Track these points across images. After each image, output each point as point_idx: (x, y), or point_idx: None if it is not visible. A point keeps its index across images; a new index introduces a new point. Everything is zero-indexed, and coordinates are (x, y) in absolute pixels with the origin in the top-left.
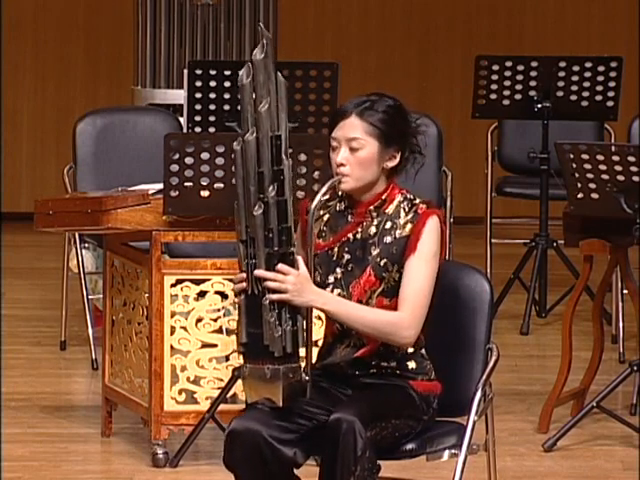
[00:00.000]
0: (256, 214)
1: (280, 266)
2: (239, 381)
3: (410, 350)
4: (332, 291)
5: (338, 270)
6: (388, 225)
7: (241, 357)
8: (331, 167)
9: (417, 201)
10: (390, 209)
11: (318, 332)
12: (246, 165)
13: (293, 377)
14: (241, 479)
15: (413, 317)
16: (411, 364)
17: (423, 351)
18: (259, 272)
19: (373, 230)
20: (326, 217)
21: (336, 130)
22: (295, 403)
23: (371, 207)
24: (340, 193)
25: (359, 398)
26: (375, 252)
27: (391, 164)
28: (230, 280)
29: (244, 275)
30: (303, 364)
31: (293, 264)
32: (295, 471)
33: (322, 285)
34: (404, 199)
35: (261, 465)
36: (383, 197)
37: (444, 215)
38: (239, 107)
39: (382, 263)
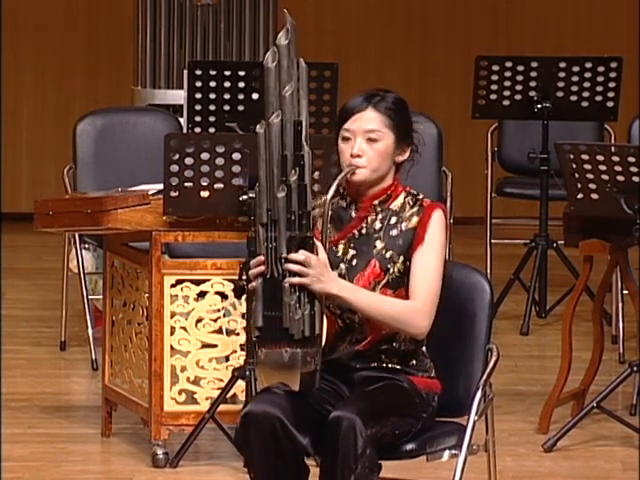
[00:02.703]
0: (279, 196)
1: (302, 252)
2: (239, 381)
3: (411, 347)
4: None
5: (342, 266)
6: (393, 220)
7: (253, 346)
8: (339, 159)
9: (420, 196)
10: (394, 205)
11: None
12: (270, 148)
13: (310, 363)
14: (252, 460)
15: (426, 306)
16: (412, 361)
17: (424, 349)
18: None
19: (378, 225)
20: (328, 214)
21: (350, 122)
22: (308, 390)
23: (376, 201)
24: (342, 190)
25: (359, 396)
26: (380, 245)
27: (402, 158)
28: (230, 280)
29: (262, 258)
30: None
31: (312, 248)
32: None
33: None
34: (408, 194)
35: (275, 448)
36: (388, 192)
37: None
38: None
39: (388, 255)
